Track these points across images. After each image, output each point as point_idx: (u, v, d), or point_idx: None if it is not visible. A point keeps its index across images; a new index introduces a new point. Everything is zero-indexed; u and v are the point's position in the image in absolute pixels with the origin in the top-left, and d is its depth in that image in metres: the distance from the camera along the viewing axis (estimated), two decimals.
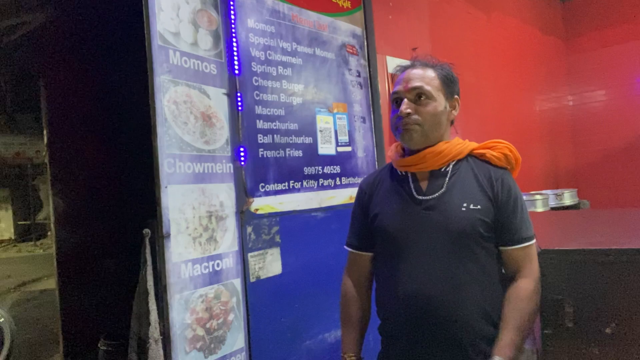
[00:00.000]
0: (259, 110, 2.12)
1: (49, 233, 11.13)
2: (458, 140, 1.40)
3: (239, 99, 2.02)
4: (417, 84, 1.33)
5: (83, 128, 3.39)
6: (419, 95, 1.33)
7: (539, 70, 5.67)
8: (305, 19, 2.42)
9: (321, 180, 2.38)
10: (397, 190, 1.40)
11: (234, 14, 2.06)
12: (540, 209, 4.14)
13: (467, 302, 1.26)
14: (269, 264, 2.09)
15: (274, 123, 2.18)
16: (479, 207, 1.28)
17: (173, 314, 1.70)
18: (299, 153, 2.28)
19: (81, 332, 3.13)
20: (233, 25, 2.05)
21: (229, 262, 1.92)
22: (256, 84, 2.13)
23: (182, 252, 1.75)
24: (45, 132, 3.35)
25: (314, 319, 2.25)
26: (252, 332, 1.97)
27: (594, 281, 1.39)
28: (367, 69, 2.78)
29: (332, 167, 2.45)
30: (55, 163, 3.35)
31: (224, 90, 1.99)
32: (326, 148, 2.43)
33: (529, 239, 1.31)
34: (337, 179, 2.48)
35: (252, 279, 2.00)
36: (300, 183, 2.27)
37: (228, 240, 1.93)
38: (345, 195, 2.51)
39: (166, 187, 1.72)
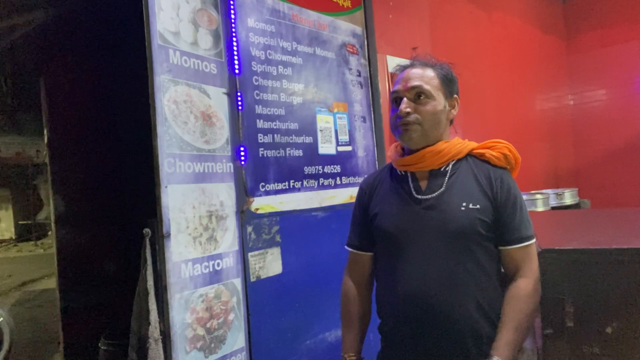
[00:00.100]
0: (259, 109, 2.12)
1: (49, 233, 11.15)
2: (458, 140, 1.40)
3: (239, 98, 2.02)
4: (416, 83, 1.33)
5: (83, 128, 3.38)
6: (419, 95, 1.33)
7: (539, 70, 5.67)
8: (306, 19, 2.41)
9: (321, 180, 2.38)
10: (397, 190, 1.40)
11: (234, 14, 2.06)
12: (540, 209, 4.14)
13: (465, 301, 1.26)
14: (269, 263, 2.09)
15: (274, 122, 2.18)
16: (478, 206, 1.28)
17: (173, 314, 1.70)
18: (299, 152, 2.28)
19: (81, 331, 3.13)
20: (233, 25, 2.05)
21: (229, 262, 1.92)
22: (256, 83, 2.13)
23: (182, 252, 1.75)
24: (45, 131, 3.34)
25: (314, 319, 2.25)
26: (253, 331, 1.97)
27: (595, 281, 1.39)
28: (368, 68, 2.77)
29: (332, 166, 2.45)
30: (56, 163, 3.34)
31: (224, 90, 1.99)
32: (326, 147, 2.43)
33: (529, 238, 1.31)
34: (338, 178, 2.48)
35: (253, 279, 2.00)
36: (300, 182, 2.27)
37: (228, 239, 1.93)
38: (346, 195, 2.51)
39: (166, 186, 1.72)
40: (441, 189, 1.32)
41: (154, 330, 1.72)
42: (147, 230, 1.78)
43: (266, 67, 2.18)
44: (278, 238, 2.13)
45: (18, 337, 3.66)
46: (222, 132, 1.95)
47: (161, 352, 1.71)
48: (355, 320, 1.48)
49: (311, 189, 2.32)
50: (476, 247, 1.28)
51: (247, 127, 2.06)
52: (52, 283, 4.80)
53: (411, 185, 1.37)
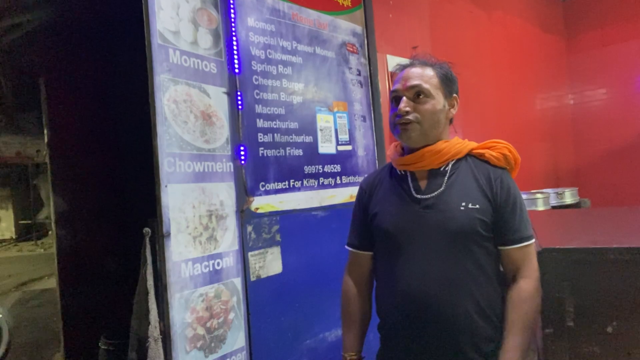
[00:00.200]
0: (259, 109, 2.12)
1: (49, 232, 11.15)
2: (457, 139, 1.40)
3: (239, 97, 2.02)
4: (415, 82, 1.33)
5: (83, 127, 3.39)
6: (418, 94, 1.33)
7: (539, 69, 5.66)
8: (306, 18, 2.41)
9: (321, 179, 2.38)
10: (396, 190, 1.40)
11: (234, 13, 2.06)
12: (541, 208, 4.14)
13: (464, 300, 1.26)
14: (270, 263, 2.09)
15: (274, 122, 2.17)
16: (477, 206, 1.28)
17: (173, 313, 1.70)
18: (299, 152, 2.28)
19: (82, 331, 3.13)
20: (233, 24, 2.05)
21: (229, 261, 1.92)
22: (256, 82, 2.12)
23: (182, 251, 1.75)
24: (45, 131, 3.35)
25: (314, 318, 2.25)
26: (253, 331, 1.97)
27: (595, 280, 1.39)
28: (368, 67, 2.77)
29: (332, 166, 2.45)
30: (56, 162, 3.35)
31: (224, 89, 1.99)
32: (326, 147, 2.43)
33: (528, 238, 1.31)
34: (338, 177, 2.48)
35: (253, 278, 2.00)
36: (300, 182, 2.27)
37: (228, 239, 1.93)
38: (346, 194, 2.51)
39: (166, 186, 1.72)
40: (441, 189, 1.32)
41: (154, 329, 1.72)
42: (147, 230, 1.78)
43: (266, 67, 2.18)
44: (278, 237, 2.13)
45: (18, 337, 3.66)
46: (222, 132, 1.95)
47: (161, 351, 1.71)
48: (355, 320, 1.48)
49: (311, 188, 2.32)
50: (475, 247, 1.28)
51: (247, 126, 2.05)
52: (52, 283, 4.80)
53: (411, 185, 1.36)
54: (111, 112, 3.40)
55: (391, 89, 1.40)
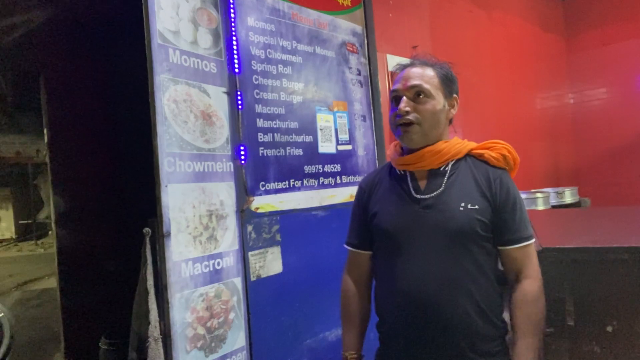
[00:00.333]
0: (259, 108, 2.12)
1: (49, 232, 11.15)
2: (457, 139, 1.40)
3: (239, 97, 2.02)
4: (416, 82, 1.33)
5: (83, 127, 3.38)
6: (418, 94, 1.33)
7: (539, 68, 5.66)
8: (305, 17, 2.41)
9: (321, 179, 2.38)
10: (396, 189, 1.40)
11: (234, 13, 2.06)
12: (541, 207, 4.14)
13: (463, 300, 1.26)
14: (270, 262, 2.09)
15: (274, 122, 2.17)
16: (476, 206, 1.28)
17: (173, 313, 1.70)
18: (299, 152, 2.28)
19: (82, 331, 3.13)
20: (233, 24, 2.04)
21: (230, 261, 1.92)
22: (256, 82, 2.12)
23: (182, 251, 1.75)
24: (45, 131, 3.35)
25: (314, 318, 2.25)
26: (253, 330, 1.97)
27: (595, 279, 1.39)
28: (368, 67, 2.77)
29: (332, 165, 2.45)
30: (56, 162, 3.35)
31: (224, 89, 1.99)
32: (326, 146, 2.43)
33: (528, 238, 1.31)
34: (338, 177, 2.48)
35: (253, 278, 2.00)
36: (300, 182, 2.27)
37: (228, 239, 1.93)
38: (346, 194, 2.51)
39: (166, 186, 1.72)
40: (440, 189, 1.32)
41: (154, 329, 1.72)
42: (147, 230, 1.78)
43: (266, 66, 2.18)
44: (278, 237, 2.13)
45: (18, 337, 3.66)
46: (222, 131, 1.95)
47: (161, 351, 1.71)
48: (355, 319, 1.49)
49: (311, 188, 2.32)
50: (474, 247, 1.28)
51: (247, 126, 2.05)
52: (52, 282, 4.80)
53: (410, 185, 1.37)
54: (111, 112, 3.40)
55: (391, 88, 1.40)
